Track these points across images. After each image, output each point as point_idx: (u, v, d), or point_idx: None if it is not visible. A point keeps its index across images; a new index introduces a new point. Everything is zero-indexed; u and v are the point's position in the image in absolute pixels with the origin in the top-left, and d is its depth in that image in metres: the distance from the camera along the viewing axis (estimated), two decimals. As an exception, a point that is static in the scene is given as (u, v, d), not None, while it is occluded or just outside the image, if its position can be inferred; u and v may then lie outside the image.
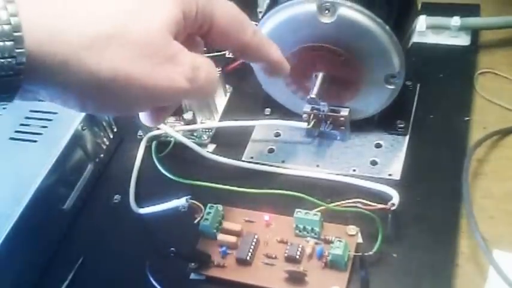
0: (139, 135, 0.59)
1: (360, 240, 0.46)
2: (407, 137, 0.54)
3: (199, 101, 0.57)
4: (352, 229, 0.46)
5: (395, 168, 0.51)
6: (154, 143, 0.57)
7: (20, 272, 0.48)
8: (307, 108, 0.53)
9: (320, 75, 0.50)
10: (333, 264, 0.44)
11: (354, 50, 0.48)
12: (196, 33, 0.35)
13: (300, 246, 0.45)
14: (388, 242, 0.45)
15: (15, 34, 0.27)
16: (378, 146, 0.54)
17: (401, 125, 0.54)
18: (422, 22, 0.61)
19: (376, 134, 0.54)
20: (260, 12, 0.61)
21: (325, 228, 0.46)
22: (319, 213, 0.45)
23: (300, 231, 0.46)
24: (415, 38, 0.56)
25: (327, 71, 0.50)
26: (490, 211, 0.47)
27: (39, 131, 0.53)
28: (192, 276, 0.47)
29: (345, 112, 0.53)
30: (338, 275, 0.44)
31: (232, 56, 0.60)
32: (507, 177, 0.50)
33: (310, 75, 0.51)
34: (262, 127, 0.58)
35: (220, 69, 0.59)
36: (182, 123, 0.58)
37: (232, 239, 0.47)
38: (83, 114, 0.54)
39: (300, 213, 0.46)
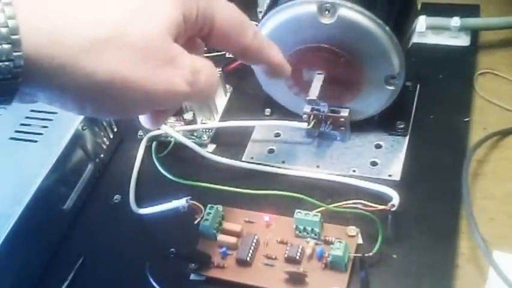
0: (140, 135, 0.59)
1: (360, 241, 0.46)
2: (407, 138, 0.54)
3: (199, 102, 0.57)
4: (352, 230, 0.46)
5: (395, 169, 0.51)
6: (154, 143, 0.57)
7: (20, 272, 0.48)
8: (307, 108, 0.53)
9: (320, 76, 0.50)
10: (333, 265, 0.44)
11: (354, 51, 0.48)
12: (197, 36, 0.35)
13: (300, 247, 0.45)
14: (388, 243, 0.45)
15: (13, 37, 0.27)
16: (378, 146, 0.54)
17: (401, 126, 0.54)
18: (422, 23, 0.61)
19: (376, 134, 0.54)
20: (260, 12, 0.61)
21: (325, 229, 0.46)
22: (319, 214, 0.45)
23: (300, 232, 0.46)
24: (415, 39, 0.56)
25: (327, 71, 0.50)
26: (490, 212, 0.47)
27: (39, 131, 0.53)
28: (192, 276, 0.47)
29: (344, 113, 0.53)
30: (338, 275, 0.44)
31: (232, 56, 0.60)
32: (507, 178, 0.50)
33: (310, 76, 0.51)
34: (262, 127, 0.58)
35: (220, 69, 0.59)
36: (182, 123, 0.58)
37: (232, 239, 0.47)
38: (82, 115, 0.54)
39: (300, 214, 0.46)
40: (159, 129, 0.57)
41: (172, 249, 0.44)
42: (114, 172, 0.58)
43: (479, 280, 0.43)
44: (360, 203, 0.46)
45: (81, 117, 0.54)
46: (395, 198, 0.46)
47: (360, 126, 0.54)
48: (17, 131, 0.54)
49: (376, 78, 0.49)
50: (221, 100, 0.61)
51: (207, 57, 0.35)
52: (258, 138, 0.57)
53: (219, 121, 0.59)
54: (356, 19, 0.46)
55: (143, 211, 0.52)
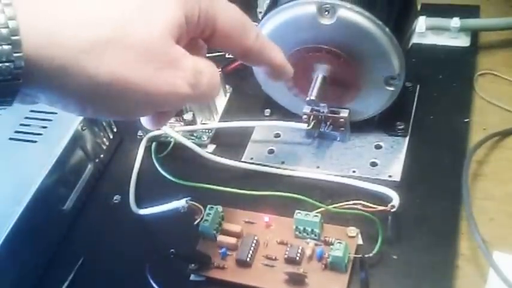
0: (139, 136, 0.59)
1: (360, 241, 0.46)
2: (407, 138, 0.54)
3: (199, 103, 0.57)
4: (352, 231, 0.46)
5: (395, 169, 0.51)
6: (154, 143, 0.57)
7: (20, 273, 0.48)
8: (307, 109, 0.53)
9: (320, 76, 0.50)
10: (333, 266, 0.44)
11: (353, 52, 0.48)
12: (199, 37, 0.35)
13: (300, 247, 0.45)
14: (388, 243, 0.45)
15: (13, 38, 0.26)
16: (378, 147, 0.54)
17: (401, 127, 0.54)
18: (422, 23, 0.61)
19: (376, 135, 0.54)
20: (260, 12, 0.61)
21: (325, 229, 0.46)
22: (319, 215, 0.45)
23: (300, 232, 0.46)
24: (415, 39, 0.56)
25: (327, 72, 0.50)
26: (490, 213, 0.47)
27: (39, 131, 0.53)
28: (192, 277, 0.47)
29: (344, 113, 0.53)
30: (338, 276, 0.44)
31: (231, 57, 0.60)
32: (507, 179, 0.50)
33: (310, 77, 0.51)
34: (262, 128, 0.58)
35: (219, 69, 0.59)
36: (182, 123, 0.58)
37: (232, 240, 0.47)
38: (82, 115, 0.54)
39: (300, 214, 0.46)
40: (158, 129, 0.57)
41: (172, 250, 0.44)
42: (113, 172, 0.58)
43: (479, 281, 0.43)
44: (360, 204, 0.46)
45: (81, 117, 0.54)
46: (395, 199, 0.46)
47: (359, 126, 0.54)
48: (16, 132, 0.54)
49: (376, 79, 0.49)
50: (221, 100, 0.61)
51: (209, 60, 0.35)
52: (258, 139, 0.57)
53: (219, 121, 0.59)
54: (356, 20, 0.46)
55: (143, 211, 0.52)
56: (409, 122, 0.54)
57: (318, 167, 0.53)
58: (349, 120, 0.53)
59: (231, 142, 0.57)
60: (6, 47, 0.26)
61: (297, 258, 0.45)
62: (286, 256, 0.45)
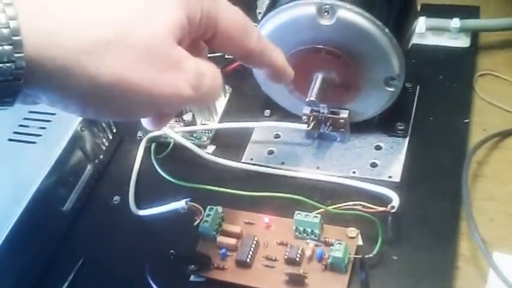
0: (139, 136, 0.58)
1: (360, 242, 0.46)
2: (407, 139, 0.54)
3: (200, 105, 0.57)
4: (352, 231, 0.46)
5: (395, 170, 0.51)
6: (153, 144, 0.57)
7: (20, 274, 0.48)
8: (306, 110, 0.53)
9: (319, 77, 0.50)
10: (333, 267, 0.44)
11: (353, 52, 0.48)
12: (201, 38, 0.35)
13: (300, 248, 0.45)
14: (388, 244, 0.45)
15: (14, 38, 0.26)
16: (378, 148, 0.54)
17: (401, 127, 0.54)
18: (422, 24, 0.61)
19: (376, 136, 0.54)
20: (260, 13, 0.61)
21: (325, 230, 0.46)
22: (319, 216, 0.45)
23: (300, 233, 0.46)
24: (415, 40, 0.56)
25: (327, 73, 0.50)
26: (490, 213, 0.47)
27: (38, 132, 0.53)
28: (192, 278, 0.47)
29: (344, 114, 0.53)
30: (338, 277, 0.44)
31: (231, 57, 0.60)
32: (507, 179, 0.50)
33: (309, 77, 0.51)
34: (262, 129, 0.58)
35: (219, 70, 0.59)
36: (182, 124, 0.58)
37: (232, 241, 0.47)
38: (82, 115, 0.54)
39: (300, 215, 0.46)
40: (158, 130, 0.56)
41: (172, 251, 0.44)
42: (113, 173, 0.58)
43: (479, 281, 0.43)
44: (360, 205, 0.46)
45: (80, 118, 0.53)
46: (395, 200, 0.46)
47: (359, 127, 0.54)
48: (15, 133, 0.54)
49: (375, 79, 0.49)
50: (220, 101, 0.61)
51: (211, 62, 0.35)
52: (258, 140, 0.57)
53: (219, 122, 0.59)
54: (355, 20, 0.46)
55: (143, 212, 0.52)
56: (409, 123, 0.54)
57: (317, 168, 0.53)
58: (349, 121, 0.53)
59: (230, 143, 0.57)
60: (7, 47, 0.26)
61: (297, 259, 0.45)
62: (286, 257, 0.45)
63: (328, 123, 0.53)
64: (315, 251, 0.45)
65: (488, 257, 0.43)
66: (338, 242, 0.44)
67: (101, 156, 0.57)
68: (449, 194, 0.48)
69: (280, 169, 0.54)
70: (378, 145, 0.54)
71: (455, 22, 0.60)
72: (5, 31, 0.26)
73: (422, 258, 0.45)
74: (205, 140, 0.58)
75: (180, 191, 0.51)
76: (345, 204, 0.46)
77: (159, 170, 0.55)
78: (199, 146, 0.56)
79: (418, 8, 0.56)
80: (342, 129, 0.54)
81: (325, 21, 0.47)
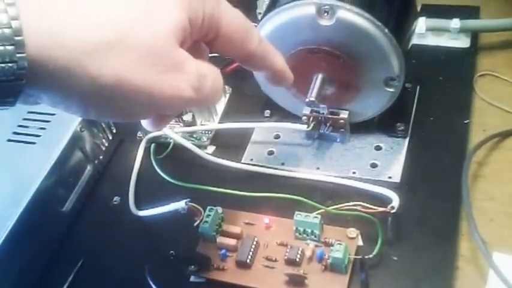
0: (139, 137, 0.58)
1: (360, 243, 0.46)
2: (407, 140, 0.54)
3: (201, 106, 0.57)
4: (353, 232, 0.45)
5: (395, 170, 0.51)
6: (152, 145, 0.57)
7: (19, 275, 0.48)
8: (306, 110, 0.53)
9: (319, 77, 0.50)
10: (333, 267, 0.44)
11: (353, 53, 0.48)
12: (202, 40, 0.35)
13: (300, 249, 0.45)
14: (388, 244, 0.45)
15: (16, 38, 0.26)
16: (378, 148, 0.54)
17: (401, 128, 0.54)
18: (421, 24, 0.61)
19: (376, 136, 0.54)
20: (259, 13, 0.61)
21: (325, 230, 0.46)
22: (319, 216, 0.45)
23: (300, 234, 0.46)
24: (415, 40, 0.56)
25: (326, 73, 0.50)
26: (490, 213, 0.47)
27: (37, 133, 0.53)
28: (192, 279, 0.47)
29: (344, 114, 0.53)
30: (338, 277, 0.44)
31: (231, 57, 0.60)
32: (507, 180, 0.50)
33: (309, 78, 0.50)
34: (262, 129, 0.58)
35: (220, 69, 0.59)
36: (181, 124, 0.58)
37: (232, 241, 0.47)
38: (81, 115, 0.54)
39: (300, 215, 0.46)
40: (158, 130, 0.56)
41: (171, 252, 0.44)
42: (113, 174, 0.58)
43: (479, 281, 0.43)
44: (360, 205, 0.46)
45: (80, 118, 0.53)
46: (395, 200, 0.46)
47: (359, 128, 0.54)
48: (14, 133, 0.54)
49: (375, 80, 0.49)
50: (220, 101, 0.61)
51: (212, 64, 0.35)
52: (258, 140, 0.57)
53: (219, 123, 0.59)
54: (355, 21, 0.46)
55: (143, 213, 0.51)
56: (409, 123, 0.54)
57: (317, 168, 0.53)
58: (349, 122, 0.53)
59: (230, 143, 0.57)
60: (9, 47, 0.26)
61: (297, 259, 0.45)
62: (286, 257, 0.45)
63: (328, 124, 0.53)
64: (315, 251, 0.45)
65: (488, 257, 0.43)
66: (338, 242, 0.44)
67: (101, 157, 0.57)
68: (449, 195, 0.48)
69: (280, 170, 0.54)
70: (378, 145, 0.54)
71: (455, 22, 0.60)
72: (7, 31, 0.26)
73: (422, 259, 0.45)
74: (205, 140, 0.58)
75: (180, 192, 0.51)
76: (345, 204, 0.46)
77: (158, 170, 0.55)
78: (199, 147, 0.56)
79: (418, 8, 0.56)
80: (342, 130, 0.54)
81: (325, 22, 0.47)
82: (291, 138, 0.56)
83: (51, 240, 0.51)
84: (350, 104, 0.52)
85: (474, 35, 0.62)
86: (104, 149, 0.58)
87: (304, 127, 0.54)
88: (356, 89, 0.51)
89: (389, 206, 0.46)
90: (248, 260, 0.45)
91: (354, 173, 0.52)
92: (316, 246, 0.45)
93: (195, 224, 0.48)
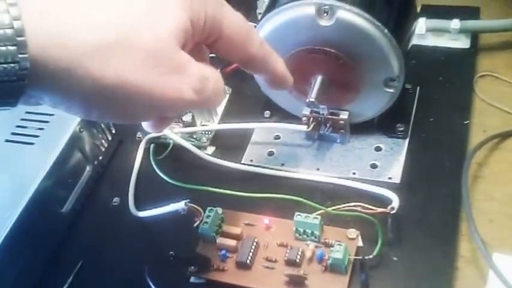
0: (138, 137, 0.58)
1: (360, 243, 0.46)
2: (407, 140, 0.54)
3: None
4: (353, 232, 0.45)
5: (395, 171, 0.51)
6: (152, 146, 0.57)
7: (18, 276, 0.48)
8: (306, 111, 0.53)
9: (319, 78, 0.50)
10: (333, 268, 0.44)
11: (352, 53, 0.48)
12: (204, 43, 0.35)
13: (300, 249, 0.45)
14: (388, 245, 0.45)
15: (19, 39, 0.26)
16: (378, 149, 0.54)
17: (401, 128, 0.54)
18: (421, 25, 0.61)
19: (376, 137, 0.54)
20: (259, 14, 0.61)
21: (325, 231, 0.46)
22: (319, 217, 0.45)
23: (300, 234, 0.46)
24: (415, 41, 0.56)
25: (326, 74, 0.50)
26: (490, 214, 0.47)
27: (36, 133, 0.53)
28: (192, 279, 0.47)
29: (344, 115, 0.53)
30: (338, 278, 0.44)
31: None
32: (507, 181, 0.50)
33: (309, 78, 0.50)
34: (262, 130, 0.58)
35: (218, 70, 0.59)
36: (181, 125, 0.58)
37: (232, 242, 0.47)
38: (80, 116, 0.53)
39: (300, 216, 0.45)
40: (158, 132, 0.56)
41: (171, 252, 0.44)
42: (113, 174, 0.57)
43: (479, 282, 0.43)
44: (360, 206, 0.45)
45: (79, 119, 0.53)
46: (395, 201, 0.46)
47: (359, 128, 0.54)
48: (13, 133, 0.53)
49: (375, 80, 0.49)
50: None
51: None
52: (258, 141, 0.57)
53: (218, 123, 0.59)
54: (354, 21, 0.46)
55: (142, 214, 0.51)
56: (409, 124, 0.54)
57: (317, 169, 0.53)
58: (349, 122, 0.53)
59: (230, 144, 0.57)
60: (11, 47, 0.26)
61: (297, 260, 0.45)
62: (286, 258, 0.45)
63: (328, 125, 0.53)
64: (315, 252, 0.45)
65: (488, 258, 0.43)
66: (338, 243, 0.44)
67: (100, 158, 0.57)
68: (449, 195, 0.48)
69: (280, 170, 0.53)
70: (378, 146, 0.54)
71: (455, 23, 0.60)
72: (9, 31, 0.26)
73: (422, 259, 0.45)
74: (205, 141, 0.57)
75: (179, 192, 0.51)
76: (344, 205, 0.46)
77: (158, 171, 0.55)
78: (199, 147, 0.56)
79: (418, 9, 0.56)
80: (342, 131, 0.54)
81: (325, 22, 0.47)
82: (291, 139, 0.56)
83: (51, 242, 0.51)
84: (350, 104, 0.52)
85: (474, 35, 0.62)
86: (103, 149, 0.57)
87: (304, 128, 0.54)
88: (356, 89, 0.51)
89: (389, 207, 0.45)
90: (248, 261, 0.45)
91: (353, 173, 0.52)
92: (316, 247, 0.45)
93: (195, 224, 0.48)
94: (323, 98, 0.50)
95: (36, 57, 0.27)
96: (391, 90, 0.50)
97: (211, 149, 0.57)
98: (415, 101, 0.56)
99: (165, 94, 0.31)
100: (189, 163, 0.55)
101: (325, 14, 0.46)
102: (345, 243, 0.44)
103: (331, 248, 0.44)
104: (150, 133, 0.57)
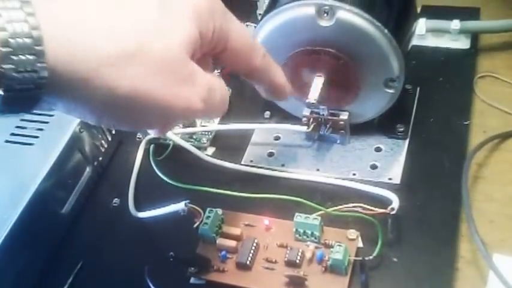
0: (138, 138, 0.58)
1: (360, 244, 0.45)
2: (407, 141, 0.53)
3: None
4: (353, 233, 0.45)
5: (395, 172, 0.51)
6: (152, 146, 0.57)
7: (18, 277, 0.48)
8: (306, 111, 0.53)
9: (319, 78, 0.50)
10: (333, 269, 0.44)
11: (352, 54, 0.48)
12: (210, 54, 0.35)
13: (300, 250, 0.45)
14: (389, 246, 0.45)
15: (37, 48, 0.26)
16: (378, 149, 0.53)
17: (401, 129, 0.54)
18: (422, 25, 0.61)
19: (376, 137, 0.54)
20: (260, 14, 0.61)
21: (325, 232, 0.46)
22: (319, 218, 0.45)
23: (300, 235, 0.46)
24: (415, 41, 0.56)
25: (326, 74, 0.50)
26: (490, 215, 0.47)
27: (35, 134, 0.53)
28: (192, 280, 0.46)
29: (344, 116, 0.53)
30: (338, 279, 0.44)
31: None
32: (507, 181, 0.50)
33: (309, 79, 0.50)
34: (262, 130, 0.57)
35: (218, 71, 0.59)
36: (181, 126, 0.57)
37: (232, 243, 0.47)
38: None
39: (299, 217, 0.45)
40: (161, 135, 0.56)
41: (171, 253, 0.44)
42: (113, 175, 0.57)
43: (479, 283, 0.43)
44: (360, 207, 0.45)
45: (78, 119, 0.53)
46: (395, 202, 0.46)
47: (359, 129, 0.54)
48: (12, 134, 0.53)
49: (375, 81, 0.49)
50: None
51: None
52: (258, 141, 0.57)
53: (218, 124, 0.59)
54: (355, 22, 0.46)
55: (142, 215, 0.51)
56: (409, 125, 0.54)
57: (317, 170, 0.53)
58: (349, 123, 0.53)
59: (230, 145, 0.57)
60: (30, 57, 0.26)
61: (297, 261, 0.44)
62: (286, 259, 0.45)
63: (328, 125, 0.53)
64: (315, 253, 0.45)
65: (488, 258, 0.42)
66: (338, 244, 0.44)
67: (100, 158, 0.57)
68: (449, 196, 0.48)
69: (280, 171, 0.53)
70: (378, 147, 0.54)
71: (455, 24, 0.60)
72: (28, 41, 0.26)
73: (422, 260, 0.45)
74: (205, 141, 0.57)
75: (179, 193, 0.51)
76: (345, 206, 0.46)
77: (158, 172, 0.55)
78: (199, 148, 0.56)
79: (418, 9, 0.56)
80: (342, 131, 0.54)
81: (325, 22, 0.47)
82: (291, 140, 0.56)
83: (51, 243, 0.51)
84: (350, 105, 0.52)
85: (474, 36, 0.62)
86: (103, 150, 0.57)
87: (304, 128, 0.54)
88: (356, 90, 0.51)
89: (389, 208, 0.45)
90: (248, 262, 0.45)
91: (354, 174, 0.52)
92: (316, 247, 0.45)
93: (195, 225, 0.48)
94: (323, 98, 0.50)
95: (55, 66, 0.27)
96: (391, 91, 0.50)
97: (211, 150, 0.57)
98: (415, 102, 0.56)
99: (175, 103, 0.32)
100: (189, 164, 0.55)
101: (325, 15, 0.46)
102: (345, 244, 0.44)
103: (331, 249, 0.43)
104: (149, 134, 0.57)
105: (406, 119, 0.55)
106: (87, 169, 0.55)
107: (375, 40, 0.46)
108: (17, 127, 0.54)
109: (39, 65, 0.27)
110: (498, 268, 0.42)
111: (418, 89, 0.57)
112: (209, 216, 0.47)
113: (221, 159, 0.55)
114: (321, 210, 0.47)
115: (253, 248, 0.46)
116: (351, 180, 0.51)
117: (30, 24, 0.26)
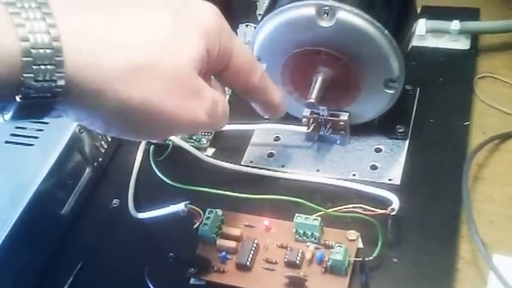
0: (138, 139, 0.58)
1: (360, 245, 0.45)
2: (407, 142, 0.53)
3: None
4: (353, 234, 0.45)
5: (395, 172, 0.51)
6: (152, 147, 0.57)
7: (18, 278, 0.48)
8: (306, 112, 0.53)
9: (319, 79, 0.50)
10: (333, 270, 0.44)
11: (352, 54, 0.48)
12: (213, 70, 0.36)
13: (300, 251, 0.45)
14: (389, 246, 0.45)
15: (57, 58, 0.27)
16: (378, 150, 0.53)
17: (401, 130, 0.54)
18: (422, 26, 0.61)
19: (376, 138, 0.54)
20: (260, 15, 0.61)
21: (325, 233, 0.46)
22: (319, 218, 0.45)
23: (300, 236, 0.46)
24: (415, 42, 0.56)
25: (326, 75, 0.50)
26: (490, 216, 0.47)
27: (35, 135, 0.53)
28: (192, 281, 0.46)
29: (344, 116, 0.53)
30: (338, 280, 0.44)
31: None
32: (507, 182, 0.50)
33: (309, 79, 0.50)
34: (262, 131, 0.57)
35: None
36: (181, 126, 0.57)
37: (231, 244, 0.46)
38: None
39: (300, 218, 0.45)
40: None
41: (171, 254, 0.44)
42: (112, 176, 0.57)
43: (479, 283, 0.43)
44: (360, 207, 0.45)
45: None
46: (395, 202, 0.46)
47: (359, 129, 0.54)
48: (12, 135, 0.53)
49: (375, 81, 0.49)
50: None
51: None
52: (258, 142, 0.57)
53: (218, 124, 0.59)
54: (355, 22, 0.46)
55: (142, 215, 0.51)
56: (409, 125, 0.54)
57: (317, 170, 0.53)
58: (349, 123, 0.53)
59: (230, 145, 0.57)
60: (50, 66, 0.27)
61: (297, 261, 0.44)
62: (286, 260, 0.45)
63: (328, 126, 0.53)
64: (315, 253, 0.45)
65: (488, 259, 0.42)
66: (338, 244, 0.43)
67: (100, 159, 0.57)
68: (449, 197, 0.48)
69: (280, 172, 0.53)
70: (378, 147, 0.54)
71: (455, 24, 0.60)
72: (49, 51, 0.27)
73: (422, 261, 0.45)
74: (205, 142, 0.57)
75: (179, 194, 0.51)
76: (345, 206, 0.46)
77: (158, 172, 0.55)
78: (199, 149, 0.56)
79: (418, 10, 0.56)
80: (342, 132, 0.54)
81: (325, 23, 0.47)
82: (291, 140, 0.56)
83: (50, 243, 0.51)
84: (350, 105, 0.52)
85: (474, 36, 0.62)
86: (103, 151, 0.57)
87: (304, 129, 0.54)
88: (356, 90, 0.51)
89: (389, 208, 0.45)
90: (248, 263, 0.45)
91: (354, 175, 0.52)
92: (316, 248, 0.45)
93: (195, 226, 0.48)
94: (323, 99, 0.50)
95: (71, 77, 0.28)
96: (391, 91, 0.50)
97: (211, 151, 0.57)
98: (415, 102, 0.56)
99: (183, 117, 0.33)
100: (189, 164, 0.55)
101: (325, 15, 0.46)
102: (345, 245, 0.44)
103: (331, 250, 0.43)
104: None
105: (406, 120, 0.55)
106: (87, 170, 0.55)
107: (375, 41, 0.46)
108: (17, 128, 0.54)
109: (57, 74, 0.28)
110: (498, 269, 0.42)
111: (418, 89, 0.57)
112: (209, 217, 0.47)
113: (221, 160, 0.55)
114: (321, 210, 0.47)
115: (253, 248, 0.46)
116: (351, 180, 0.51)
117: (51, 35, 0.27)
